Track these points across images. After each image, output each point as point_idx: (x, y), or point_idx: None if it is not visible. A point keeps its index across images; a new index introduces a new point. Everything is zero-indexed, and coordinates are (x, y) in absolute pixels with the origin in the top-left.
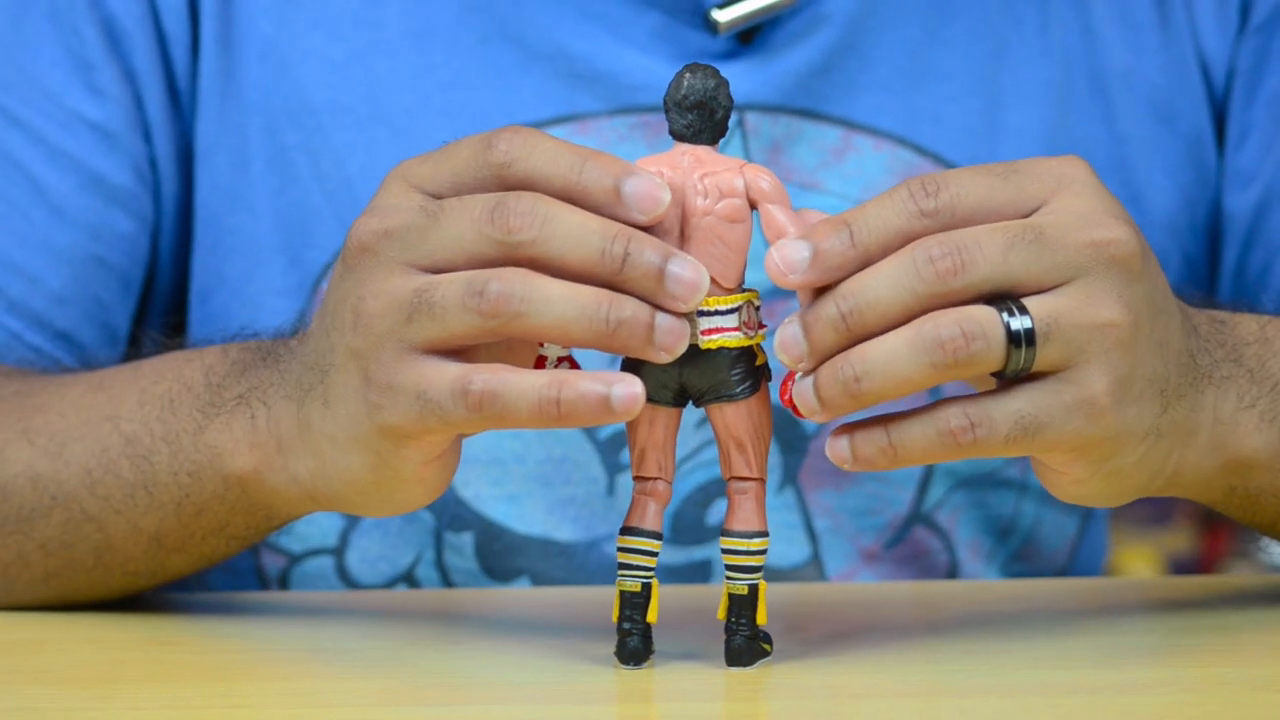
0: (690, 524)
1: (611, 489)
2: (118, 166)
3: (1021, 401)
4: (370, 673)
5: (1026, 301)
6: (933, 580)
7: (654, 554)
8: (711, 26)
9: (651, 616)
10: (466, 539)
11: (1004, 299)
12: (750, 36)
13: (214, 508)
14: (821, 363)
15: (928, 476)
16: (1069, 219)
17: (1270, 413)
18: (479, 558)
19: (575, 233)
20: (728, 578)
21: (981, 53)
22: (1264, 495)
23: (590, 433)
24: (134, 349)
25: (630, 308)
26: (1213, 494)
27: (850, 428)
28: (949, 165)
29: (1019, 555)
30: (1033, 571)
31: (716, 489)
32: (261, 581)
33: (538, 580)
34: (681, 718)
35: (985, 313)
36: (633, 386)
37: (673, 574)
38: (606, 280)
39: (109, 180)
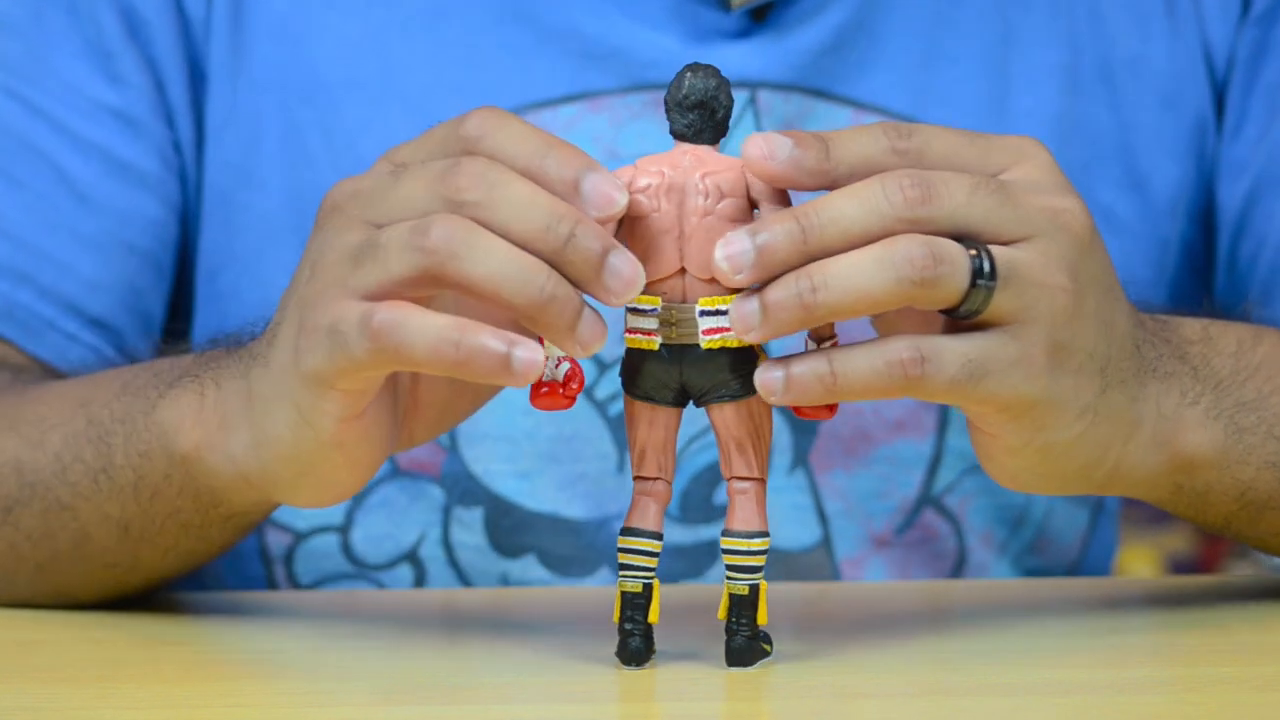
0: (698, 503)
1: (622, 466)
2: (143, 152)
3: (969, 345)
4: (370, 673)
5: (990, 247)
6: (940, 571)
7: (655, 554)
8: (724, 3)
9: (653, 617)
10: (476, 514)
11: (966, 241)
12: (763, 14)
13: (165, 490)
14: (765, 280)
15: (937, 457)
16: (1029, 184)
17: (1214, 410)
18: (488, 533)
19: (522, 202)
20: (728, 578)
21: (990, 37)
22: (1211, 493)
23: (602, 409)
24: (170, 340)
25: (566, 288)
26: (1160, 492)
27: (786, 357)
28: None
29: (1032, 548)
30: (1045, 565)
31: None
32: (265, 562)
33: (545, 558)
34: (683, 717)
35: (952, 244)
36: (534, 354)
37: (680, 554)
38: (547, 256)
39: (135, 166)
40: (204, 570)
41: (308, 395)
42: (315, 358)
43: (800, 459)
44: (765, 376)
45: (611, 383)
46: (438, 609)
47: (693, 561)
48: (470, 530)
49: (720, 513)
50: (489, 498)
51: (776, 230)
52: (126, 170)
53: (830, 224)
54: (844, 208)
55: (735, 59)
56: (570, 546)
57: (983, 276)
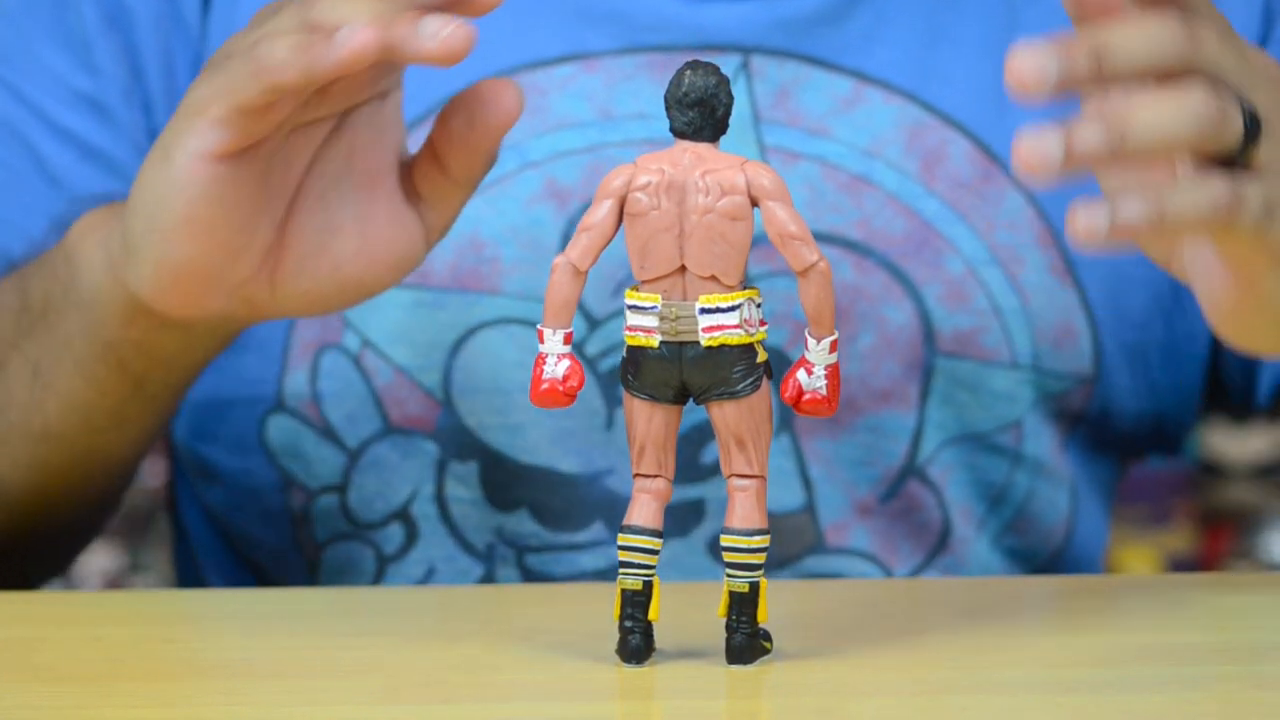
0: (684, 463)
1: (610, 423)
2: (115, 140)
3: (1259, 186)
4: (370, 672)
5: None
6: (924, 543)
7: (655, 552)
8: None
9: (653, 614)
10: (471, 468)
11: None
12: None
13: (62, 308)
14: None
15: (919, 429)
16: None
17: None
18: (483, 486)
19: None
20: (728, 575)
21: (994, 22)
22: None
23: (593, 365)
24: None
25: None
26: None
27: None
28: (958, 125)
29: (1012, 527)
30: (1027, 547)
31: (712, 429)
32: (292, 521)
33: (538, 512)
34: (682, 714)
35: (1229, 92)
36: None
37: (666, 512)
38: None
39: (107, 153)
40: (237, 529)
41: (178, 126)
42: (201, 89)
43: (785, 423)
44: (1090, 218)
45: (603, 339)
46: (437, 607)
47: (679, 520)
48: (465, 484)
49: (708, 471)
50: (483, 451)
51: (1078, 58)
52: (98, 157)
53: (1117, 48)
54: (1129, 35)
55: (732, 19)
56: (563, 500)
57: (1251, 123)
